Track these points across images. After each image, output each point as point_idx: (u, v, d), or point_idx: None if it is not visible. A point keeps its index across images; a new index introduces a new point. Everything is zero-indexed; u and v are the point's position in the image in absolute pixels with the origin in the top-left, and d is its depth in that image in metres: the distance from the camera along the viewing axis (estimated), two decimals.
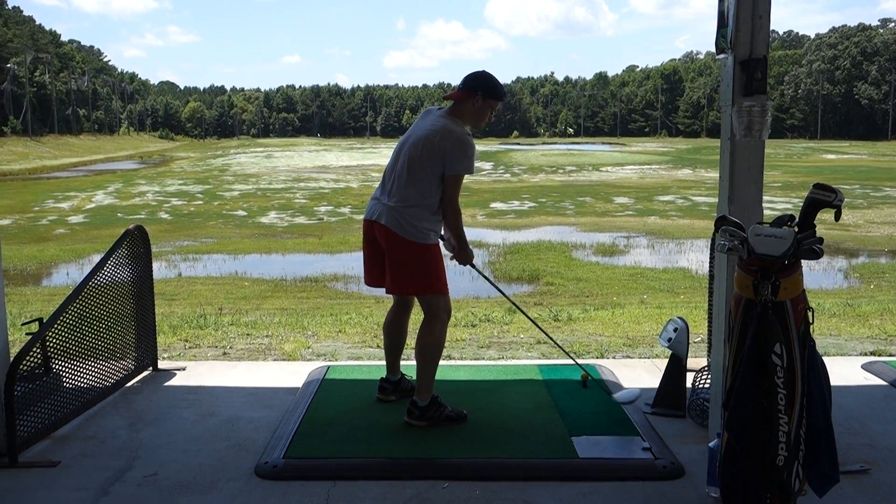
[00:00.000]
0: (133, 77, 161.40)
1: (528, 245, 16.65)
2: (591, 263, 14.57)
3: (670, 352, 4.32)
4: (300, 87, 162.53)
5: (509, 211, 24.08)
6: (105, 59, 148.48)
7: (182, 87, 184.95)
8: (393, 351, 4.45)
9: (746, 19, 3.29)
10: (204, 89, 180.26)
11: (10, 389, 3.55)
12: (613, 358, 5.58)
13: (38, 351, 3.89)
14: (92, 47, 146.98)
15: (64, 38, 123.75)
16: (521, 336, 6.43)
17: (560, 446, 3.74)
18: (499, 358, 5.57)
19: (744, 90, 3.33)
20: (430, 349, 4.04)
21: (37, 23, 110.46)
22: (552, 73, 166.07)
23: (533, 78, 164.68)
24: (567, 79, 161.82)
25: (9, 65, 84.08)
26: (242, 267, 14.74)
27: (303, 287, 12.65)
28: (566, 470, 3.51)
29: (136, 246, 4.85)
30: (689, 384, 4.26)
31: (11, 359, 3.66)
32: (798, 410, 2.76)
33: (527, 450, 3.71)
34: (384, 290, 4.25)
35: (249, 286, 12.61)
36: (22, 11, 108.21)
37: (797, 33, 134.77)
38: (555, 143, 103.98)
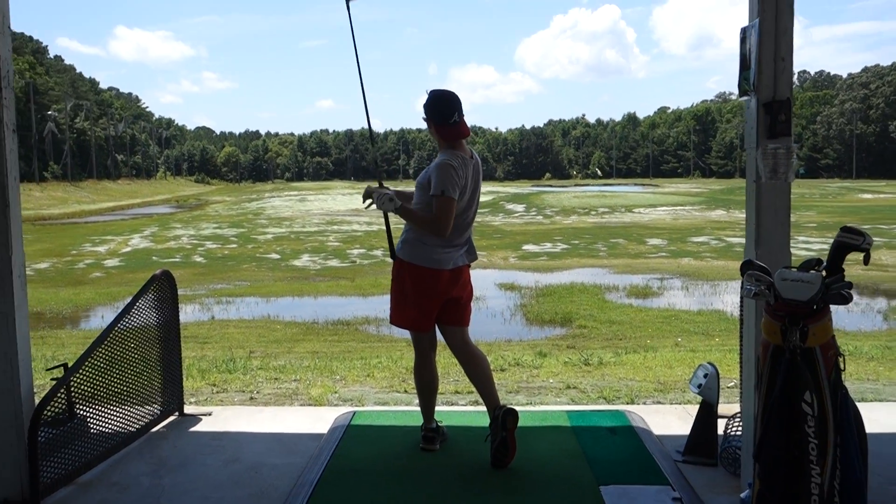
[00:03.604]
0: (170, 123, 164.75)
1: (561, 287, 16.56)
2: (624, 306, 14.43)
3: (701, 398, 4.22)
4: (334, 131, 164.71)
5: (541, 253, 24.02)
6: (143, 106, 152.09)
7: (218, 132, 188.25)
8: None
9: (769, 61, 3.26)
10: (239, 134, 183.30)
11: (33, 435, 3.56)
12: (644, 404, 5.47)
13: (63, 396, 3.91)
14: (130, 94, 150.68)
15: (103, 86, 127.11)
16: (551, 381, 6.34)
17: (587, 496, 3.65)
18: (527, 403, 5.49)
19: (768, 133, 3.29)
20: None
21: (77, 71, 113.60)
22: (583, 115, 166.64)
23: (564, 120, 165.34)
24: (599, 121, 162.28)
25: (50, 112, 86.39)
26: (275, 310, 14.82)
27: (334, 330, 12.67)
28: None
29: (162, 291, 4.88)
30: (720, 431, 4.15)
31: (36, 404, 3.68)
32: (831, 461, 2.67)
33: (554, 500, 3.62)
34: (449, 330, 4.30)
35: (281, 329, 12.65)
36: (63, 60, 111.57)
37: (829, 73, 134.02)
38: (587, 185, 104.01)
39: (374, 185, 4.28)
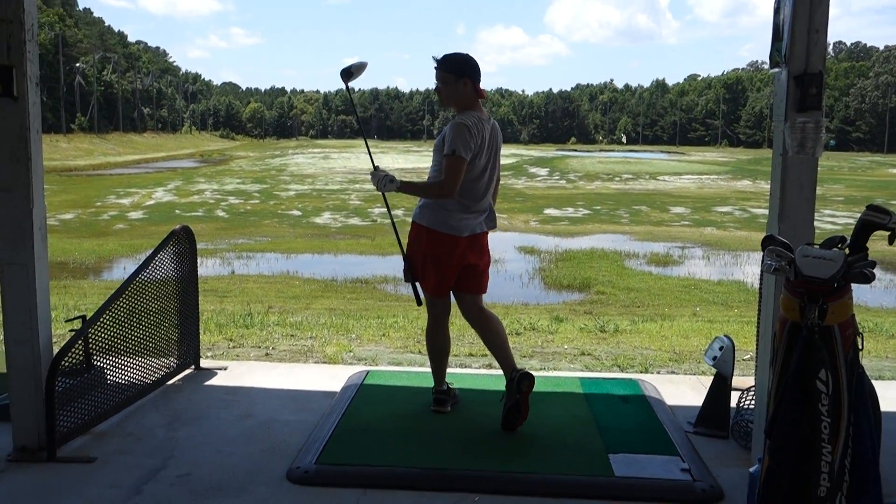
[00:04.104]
0: (196, 77, 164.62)
1: (581, 253, 16.50)
2: (643, 273, 14.36)
3: (716, 370, 4.20)
4: (359, 89, 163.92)
5: (563, 217, 23.91)
6: (170, 60, 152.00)
7: (244, 88, 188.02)
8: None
9: (802, 33, 3.17)
10: (265, 90, 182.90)
11: (50, 385, 3.61)
12: (658, 373, 5.46)
13: (81, 347, 3.95)
14: (158, 48, 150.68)
15: (131, 39, 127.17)
16: (566, 346, 6.34)
17: (596, 463, 3.66)
18: (541, 369, 5.49)
19: (797, 106, 3.22)
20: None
21: (105, 24, 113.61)
22: (612, 80, 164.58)
23: (592, 84, 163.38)
24: (627, 86, 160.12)
25: (78, 64, 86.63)
26: (294, 266, 14.89)
27: (353, 288, 12.72)
28: (600, 488, 3.42)
29: (181, 245, 4.90)
30: (734, 403, 4.14)
31: (54, 355, 3.72)
32: (843, 440, 2.64)
33: (562, 465, 3.63)
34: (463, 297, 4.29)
35: (300, 285, 12.72)
36: (92, 13, 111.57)
37: (865, 45, 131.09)
38: (612, 151, 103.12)
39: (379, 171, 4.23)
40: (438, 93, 4.14)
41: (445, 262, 4.12)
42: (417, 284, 4.26)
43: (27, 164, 3.59)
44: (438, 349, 4.33)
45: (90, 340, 4.01)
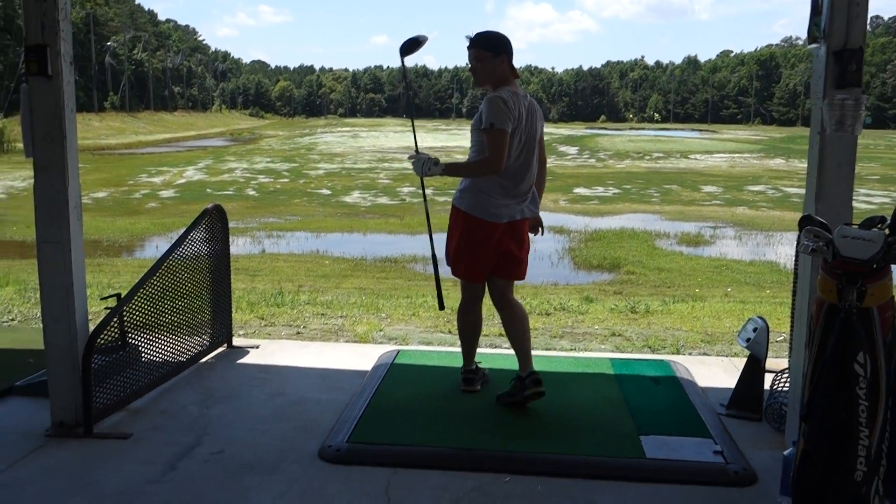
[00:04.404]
0: (226, 56, 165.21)
1: (611, 232, 16.39)
2: (674, 253, 14.25)
3: (749, 352, 4.16)
4: (388, 67, 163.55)
5: (593, 197, 23.75)
6: (199, 39, 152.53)
7: (272, 67, 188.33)
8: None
9: (842, 7, 3.10)
10: (293, 69, 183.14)
11: (87, 362, 3.66)
12: (690, 354, 5.42)
13: (116, 325, 4.00)
14: (187, 26, 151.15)
15: (161, 18, 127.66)
16: (596, 327, 6.31)
17: (627, 445, 3.64)
18: (571, 349, 5.48)
19: (836, 82, 3.15)
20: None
21: (136, 2, 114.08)
22: (642, 56, 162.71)
23: (623, 61, 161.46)
24: (658, 63, 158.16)
25: (109, 43, 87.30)
26: (324, 245, 14.96)
27: (382, 267, 12.76)
28: (632, 470, 3.41)
29: (213, 224, 4.93)
30: (767, 386, 4.10)
31: (90, 332, 3.77)
32: (881, 424, 2.61)
33: (593, 447, 3.62)
34: (495, 282, 4.22)
35: (330, 265, 12.78)
36: None
37: None
38: (643, 129, 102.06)
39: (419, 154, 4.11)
40: (474, 72, 4.04)
41: (481, 248, 4.03)
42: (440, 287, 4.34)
43: (62, 143, 3.63)
44: (469, 330, 4.30)
45: (125, 318, 4.06)
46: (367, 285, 10.58)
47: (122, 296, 4.13)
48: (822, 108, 3.19)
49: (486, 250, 4.03)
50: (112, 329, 3.95)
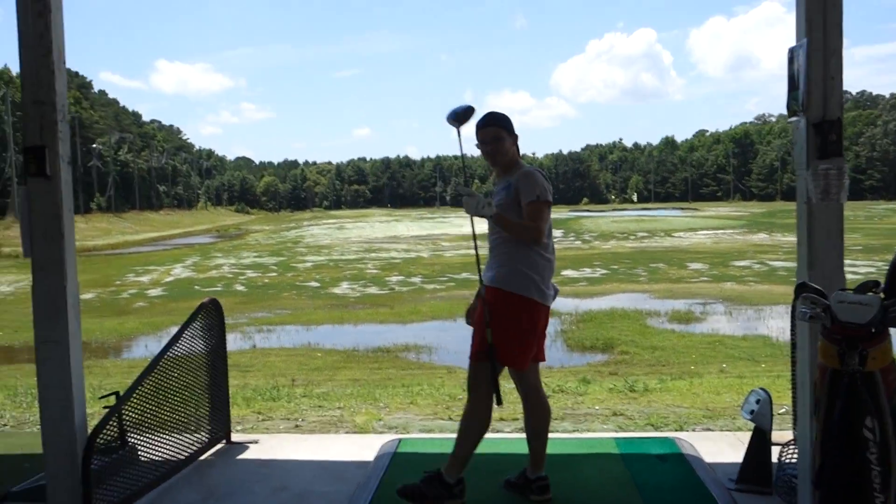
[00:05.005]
0: (210, 153, 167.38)
1: (601, 313, 16.42)
2: (666, 331, 14.27)
3: (753, 424, 4.14)
4: (371, 159, 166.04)
5: (581, 278, 23.86)
6: (184, 137, 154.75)
7: (257, 162, 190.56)
8: None
9: (818, 81, 3.22)
10: (278, 163, 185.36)
11: (86, 463, 3.60)
12: (693, 430, 5.38)
13: (115, 424, 3.95)
14: (171, 126, 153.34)
15: (145, 118, 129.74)
16: (597, 407, 6.27)
17: None
18: (574, 430, 5.43)
19: (818, 153, 3.24)
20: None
21: (120, 104, 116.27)
22: (620, 139, 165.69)
23: (601, 144, 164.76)
24: (636, 144, 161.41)
25: (95, 145, 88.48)
26: (315, 338, 14.90)
27: (375, 357, 12.69)
28: None
29: (210, 319, 4.93)
30: (774, 458, 4.06)
31: (89, 432, 3.72)
32: (895, 488, 2.59)
33: None
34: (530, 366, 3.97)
35: (322, 357, 12.71)
36: (107, 94, 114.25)
37: (871, 93, 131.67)
38: (625, 210, 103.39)
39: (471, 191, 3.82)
40: (495, 151, 3.89)
41: (534, 332, 3.85)
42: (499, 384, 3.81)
43: (60, 242, 3.65)
44: (481, 429, 3.87)
45: (123, 417, 4.01)
46: (361, 376, 10.51)
47: (121, 394, 4.09)
48: (807, 178, 3.28)
49: (535, 334, 3.87)
50: (111, 428, 3.89)
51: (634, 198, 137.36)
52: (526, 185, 3.79)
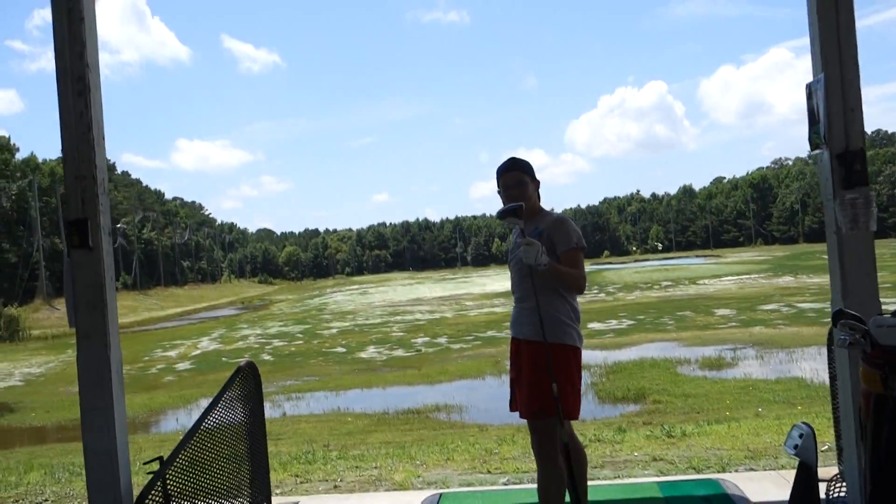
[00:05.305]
0: (232, 227, 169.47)
1: (631, 364, 16.29)
2: (698, 378, 14.12)
3: (797, 461, 4.09)
4: (390, 223, 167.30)
5: (607, 330, 23.72)
6: (206, 213, 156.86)
7: (278, 233, 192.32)
8: None
9: (838, 113, 3.28)
10: (299, 233, 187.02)
11: None
12: (736, 471, 5.31)
13: (160, 490, 3.97)
14: (193, 202, 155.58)
15: (168, 196, 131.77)
16: (636, 454, 6.21)
17: None
18: (615, 477, 5.37)
19: (844, 183, 3.29)
20: None
21: (143, 184, 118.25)
22: (638, 190, 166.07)
23: (619, 197, 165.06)
24: (654, 195, 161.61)
25: (119, 225, 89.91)
26: (345, 403, 14.88)
27: (405, 419, 12.64)
28: None
29: (248, 382, 4.97)
30: (822, 495, 4.00)
31: (134, 499, 3.75)
32: None
33: None
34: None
35: (353, 421, 12.67)
36: (130, 175, 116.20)
37: (886, 131, 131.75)
38: (647, 260, 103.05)
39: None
40: (516, 196, 3.81)
41: (579, 379, 3.80)
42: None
43: (103, 311, 3.74)
44: (562, 494, 3.73)
45: (167, 483, 4.03)
46: (392, 439, 10.46)
47: (164, 459, 4.11)
48: (835, 209, 3.31)
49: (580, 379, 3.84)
50: (156, 494, 3.91)
51: (659, 246, 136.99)
52: (561, 233, 3.75)
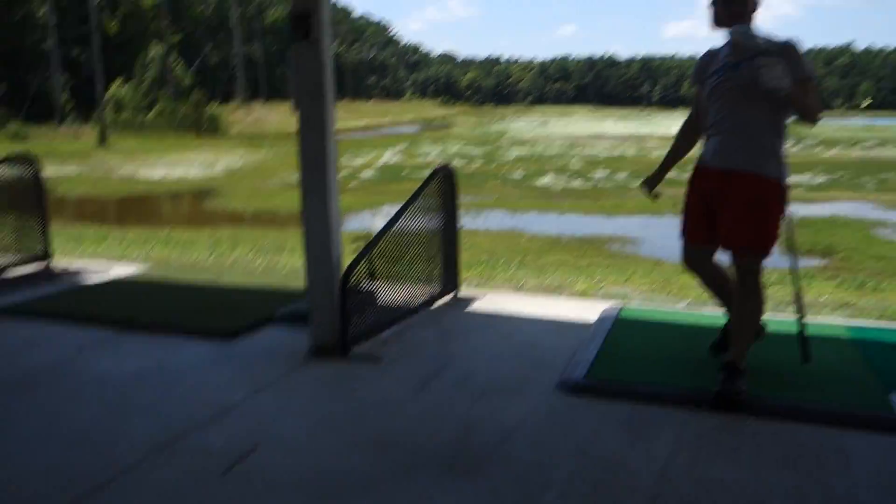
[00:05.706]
0: (416, 49, 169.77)
1: (820, 220, 15.47)
2: (895, 242, 13.28)
3: None
4: (574, 58, 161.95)
5: (800, 184, 22.46)
6: (391, 34, 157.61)
7: (460, 59, 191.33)
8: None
9: None
10: (480, 60, 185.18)
11: (343, 292, 4.04)
12: None
13: (365, 264, 4.35)
14: (380, 22, 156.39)
15: (355, 14, 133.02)
16: (822, 297, 6.06)
17: (875, 400, 3.51)
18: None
19: None
20: None
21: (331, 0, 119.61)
22: (851, 41, 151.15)
23: (828, 48, 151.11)
24: (868, 49, 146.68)
25: None
26: (520, 223, 15.14)
27: (580, 246, 12.76)
28: (886, 423, 3.29)
29: (445, 182, 5.23)
30: None
31: (343, 269, 4.16)
32: None
33: (837, 399, 3.52)
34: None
35: (527, 241, 12.94)
36: None
37: None
38: (853, 117, 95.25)
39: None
40: (737, 12, 3.45)
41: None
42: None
43: (322, 101, 4.02)
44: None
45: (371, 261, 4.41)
46: (567, 261, 10.65)
47: (369, 240, 4.47)
48: None
49: None
50: (361, 268, 4.29)
51: (864, 104, 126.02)
52: (796, 60, 3.32)
